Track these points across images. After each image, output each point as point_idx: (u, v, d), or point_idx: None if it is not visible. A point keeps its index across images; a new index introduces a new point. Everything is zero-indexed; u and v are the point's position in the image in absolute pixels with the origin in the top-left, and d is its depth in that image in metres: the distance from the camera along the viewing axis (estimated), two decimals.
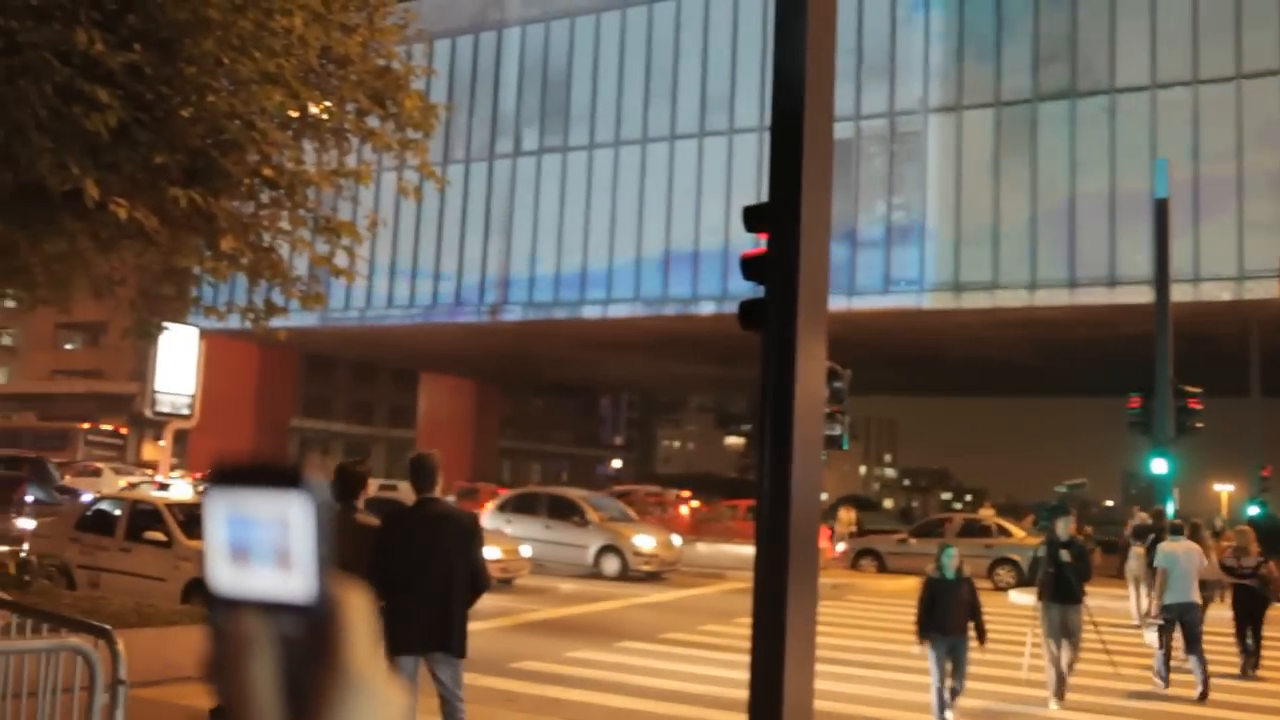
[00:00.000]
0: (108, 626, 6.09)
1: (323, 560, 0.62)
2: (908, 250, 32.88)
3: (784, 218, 7.98)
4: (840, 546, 29.25)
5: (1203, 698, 12.14)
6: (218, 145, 9.62)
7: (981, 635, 9.66)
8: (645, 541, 23.30)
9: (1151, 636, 13.02)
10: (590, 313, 37.32)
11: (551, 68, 39.29)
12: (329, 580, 0.62)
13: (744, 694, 7.13)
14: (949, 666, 9.68)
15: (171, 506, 13.78)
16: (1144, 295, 26.17)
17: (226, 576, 0.63)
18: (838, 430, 10.49)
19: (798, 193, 7.94)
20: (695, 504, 36.36)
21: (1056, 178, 31.28)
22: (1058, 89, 31.67)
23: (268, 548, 0.62)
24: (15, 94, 8.37)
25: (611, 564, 23.00)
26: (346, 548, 7.12)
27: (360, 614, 0.63)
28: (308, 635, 0.61)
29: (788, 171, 7.98)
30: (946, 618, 9.48)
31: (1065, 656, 11.27)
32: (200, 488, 25.93)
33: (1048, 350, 37.19)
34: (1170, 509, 21.72)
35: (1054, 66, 31.75)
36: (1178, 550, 13.06)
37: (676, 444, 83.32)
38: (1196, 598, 12.88)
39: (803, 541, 7.90)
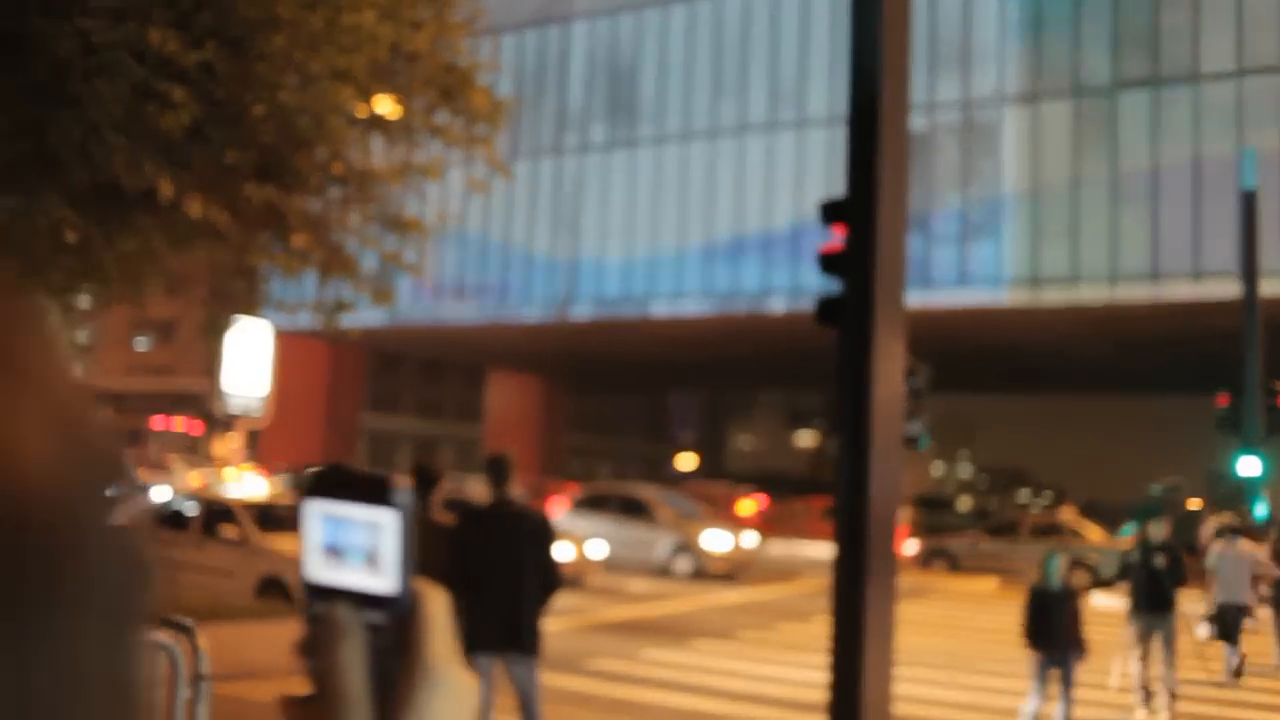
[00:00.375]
0: (189, 622, 6.09)
1: (407, 562, 0.69)
2: (984, 244, 32.34)
3: (861, 211, 7.81)
4: (911, 548, 28.80)
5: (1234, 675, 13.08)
6: (288, 143, 9.61)
7: (1081, 646, 9.17)
8: (718, 540, 23.10)
9: (1203, 631, 13.40)
10: (659, 311, 37.17)
11: (618, 61, 39.20)
12: (412, 579, 0.69)
13: (822, 695, 6.95)
14: (1054, 683, 9.14)
15: (245, 505, 13.87)
16: (1231, 288, 25.44)
17: (322, 571, 0.70)
18: (917, 429, 10.21)
19: (874, 186, 7.77)
20: (765, 502, 36.04)
21: (1138, 168, 30.55)
22: (1139, 77, 30.92)
23: (359, 549, 0.69)
24: (92, 93, 8.41)
25: (684, 563, 22.82)
26: (426, 546, 7.09)
27: (440, 611, 0.69)
28: (392, 627, 0.68)
29: (864, 165, 7.82)
30: (1055, 631, 8.86)
31: (1162, 672, 10.75)
32: (292, 486, 26.16)
33: (1130, 345, 36.39)
34: (1263, 511, 21.10)
35: (1135, 53, 31.01)
36: (1229, 553, 13.59)
37: (748, 441, 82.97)
38: (1245, 599, 13.41)
39: (881, 541, 7.71)
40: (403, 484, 0.70)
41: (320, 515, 0.71)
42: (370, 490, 0.70)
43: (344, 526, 0.70)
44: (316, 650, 0.68)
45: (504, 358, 51.03)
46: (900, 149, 8.04)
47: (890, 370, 7.79)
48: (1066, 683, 9.00)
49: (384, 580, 0.68)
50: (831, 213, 8.24)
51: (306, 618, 0.70)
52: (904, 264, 8.08)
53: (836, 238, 8.12)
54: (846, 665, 7.38)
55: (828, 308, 8.07)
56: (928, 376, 11.27)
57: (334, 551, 0.70)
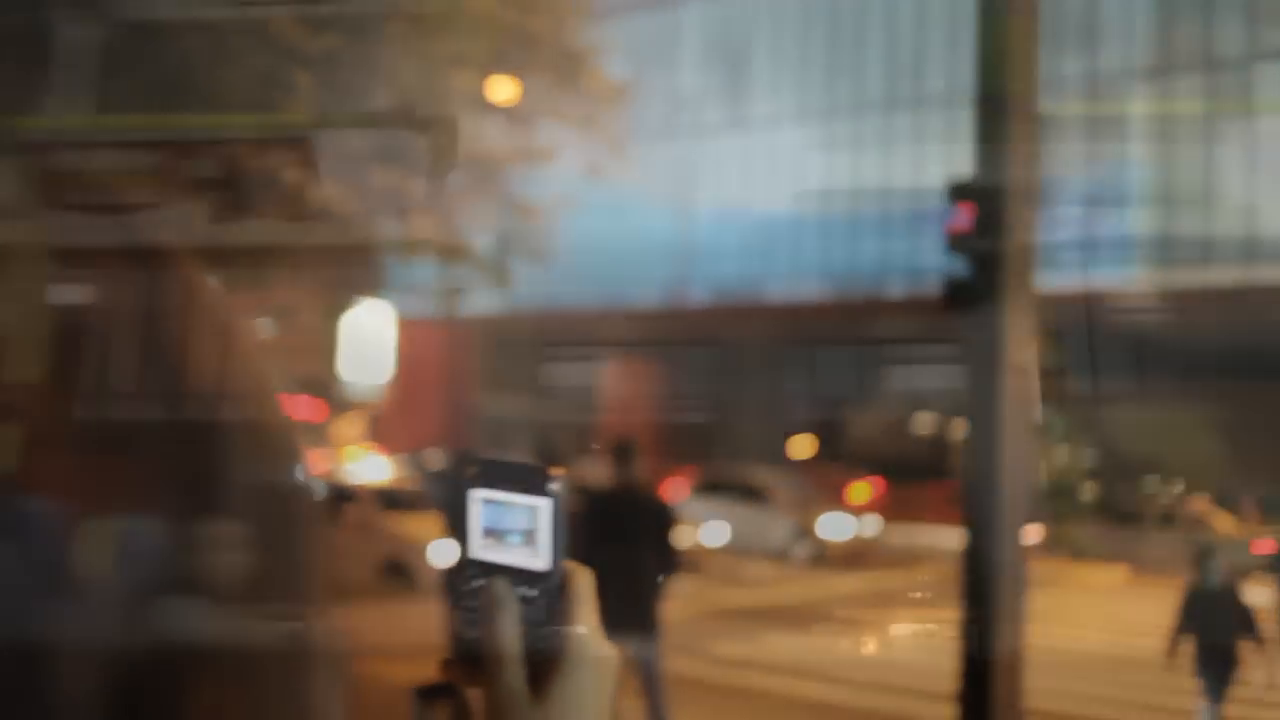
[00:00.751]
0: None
1: (559, 543, 0.77)
2: (1112, 224, 31.39)
3: (990, 190, 7.60)
4: (1033, 535, 28.12)
5: None
6: (409, 127, 9.69)
7: (1262, 644, 8.58)
8: (838, 525, 22.86)
9: None
10: (775, 294, 36.93)
11: (732, 40, 38.92)
12: (563, 558, 0.77)
13: (948, 685, 6.79)
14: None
15: (367, 488, 14.09)
16: None
17: (483, 550, 0.78)
18: (1047, 414, 9.91)
19: (1003, 164, 7.55)
20: (882, 487, 35.55)
21: (1275, 143, 29.28)
22: (1276, 47, 29.61)
23: (518, 531, 0.77)
24: (217, 81, 8.57)
25: (803, 548, 22.61)
26: None
27: (586, 587, 0.78)
28: (542, 601, 0.76)
29: (993, 142, 7.61)
30: (1215, 636, 8.27)
31: None
32: (416, 469, 26.67)
33: (1266, 328, 35.01)
34: None
35: (1272, 22, 29.70)
36: None
37: (866, 425, 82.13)
38: None
39: (1011, 529, 7.50)
40: (557, 474, 0.77)
41: (483, 501, 0.79)
42: (529, 480, 0.78)
43: (505, 512, 0.78)
44: (478, 620, 0.75)
45: (620, 341, 51.24)
46: (1029, 126, 7.79)
47: (1020, 354, 7.57)
48: (1225, 683, 8.46)
49: (538, 559, 0.77)
50: (959, 192, 8.02)
51: (467, 590, 0.78)
52: (1035, 244, 7.83)
53: (963, 217, 7.91)
54: (976, 654, 7.19)
55: (955, 290, 7.86)
56: (1057, 361, 10.95)
57: (494, 533, 0.78)
